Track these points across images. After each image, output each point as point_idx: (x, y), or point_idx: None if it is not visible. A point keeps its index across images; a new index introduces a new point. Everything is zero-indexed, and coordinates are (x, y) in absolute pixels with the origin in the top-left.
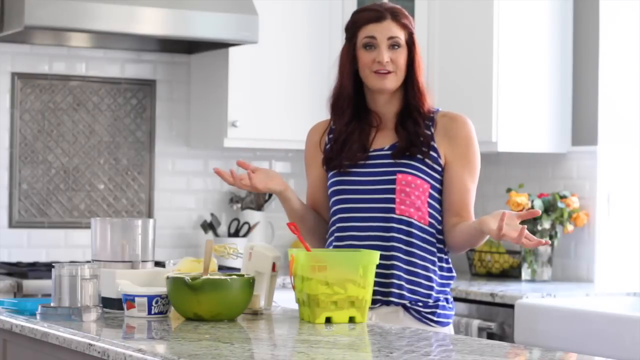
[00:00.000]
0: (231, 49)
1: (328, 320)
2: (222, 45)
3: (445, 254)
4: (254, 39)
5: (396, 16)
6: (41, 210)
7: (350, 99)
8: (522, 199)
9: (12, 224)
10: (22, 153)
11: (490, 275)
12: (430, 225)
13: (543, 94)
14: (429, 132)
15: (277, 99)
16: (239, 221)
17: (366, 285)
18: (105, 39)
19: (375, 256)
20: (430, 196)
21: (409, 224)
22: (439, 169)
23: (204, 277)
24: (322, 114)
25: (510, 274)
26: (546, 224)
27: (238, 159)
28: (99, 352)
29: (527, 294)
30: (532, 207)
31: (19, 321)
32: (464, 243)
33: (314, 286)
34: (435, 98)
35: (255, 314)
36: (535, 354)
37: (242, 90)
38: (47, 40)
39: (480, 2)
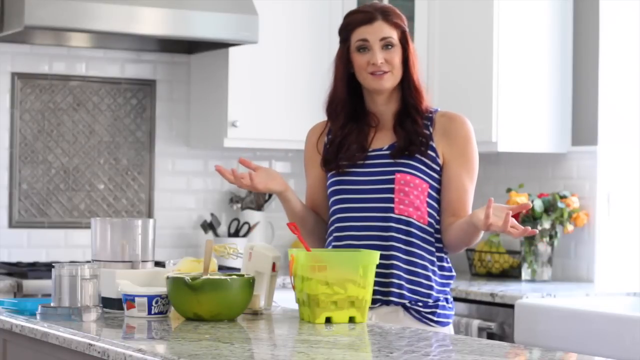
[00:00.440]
0: (231, 49)
1: (328, 320)
2: (222, 45)
3: (445, 254)
4: (254, 39)
5: (387, 16)
6: (41, 210)
7: (344, 102)
8: (522, 199)
9: (12, 224)
10: (22, 153)
11: (490, 275)
12: (429, 224)
13: (543, 94)
14: (427, 132)
15: (277, 99)
16: (239, 221)
17: (366, 285)
18: (105, 39)
19: (375, 256)
20: (429, 196)
21: (408, 224)
22: (438, 168)
23: (204, 277)
24: (322, 114)
25: (510, 274)
26: (546, 224)
27: (238, 159)
28: (99, 352)
29: (527, 294)
30: (532, 207)
31: (19, 321)
32: (460, 241)
33: (314, 286)
34: (435, 98)
35: (255, 314)
36: (535, 354)
37: (242, 90)
38: (47, 40)
39: (480, 2)
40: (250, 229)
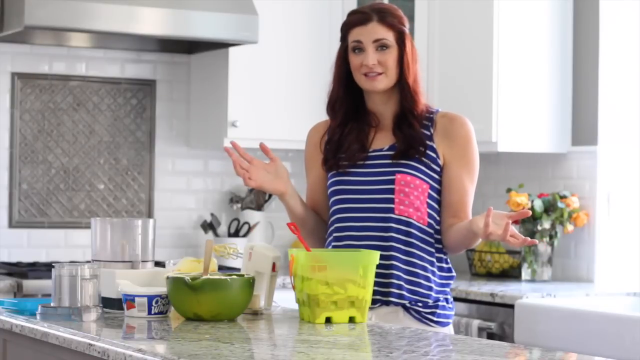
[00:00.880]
0: (231, 49)
1: (328, 320)
2: (222, 45)
3: (445, 254)
4: (254, 39)
5: (383, 17)
6: (41, 210)
7: (342, 100)
8: (522, 199)
9: (12, 224)
10: (22, 153)
11: (490, 275)
12: (429, 225)
13: (543, 94)
14: (427, 133)
15: (277, 99)
16: (239, 221)
17: (366, 285)
18: (105, 39)
19: (375, 256)
20: (429, 196)
21: (408, 224)
22: (438, 169)
23: (204, 277)
24: (322, 114)
25: (510, 274)
26: (546, 224)
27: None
28: (99, 352)
29: (527, 294)
30: (532, 207)
31: (19, 321)
32: (459, 244)
33: (314, 286)
34: (435, 98)
35: (255, 314)
36: (535, 354)
37: (242, 90)
38: (47, 40)
39: (480, 2)
40: (250, 229)
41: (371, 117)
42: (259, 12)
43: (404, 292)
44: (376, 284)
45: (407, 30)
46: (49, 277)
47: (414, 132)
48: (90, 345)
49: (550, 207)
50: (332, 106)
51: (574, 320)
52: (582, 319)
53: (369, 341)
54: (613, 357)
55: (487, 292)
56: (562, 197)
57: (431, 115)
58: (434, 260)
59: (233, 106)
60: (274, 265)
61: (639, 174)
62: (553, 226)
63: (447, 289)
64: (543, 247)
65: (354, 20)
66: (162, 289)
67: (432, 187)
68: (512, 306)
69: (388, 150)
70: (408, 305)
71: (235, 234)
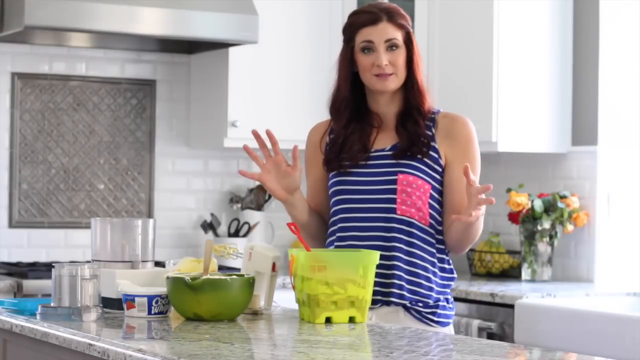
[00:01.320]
0: (231, 49)
1: (328, 320)
2: (222, 45)
3: (447, 255)
4: (254, 39)
5: (392, 17)
6: (41, 210)
7: (348, 101)
8: (522, 199)
9: (12, 224)
10: (22, 153)
11: (490, 275)
12: (431, 225)
13: (543, 94)
14: (429, 133)
15: (277, 99)
16: (239, 221)
17: (366, 285)
18: (105, 39)
19: (375, 256)
20: (431, 197)
21: (410, 225)
22: (440, 169)
23: (204, 277)
24: (322, 114)
25: (510, 274)
26: (546, 224)
27: (238, 159)
28: (99, 352)
29: (527, 294)
30: (532, 207)
31: (19, 321)
32: (459, 240)
33: (314, 286)
34: (435, 98)
35: (255, 314)
36: (535, 354)
37: (242, 90)
38: (47, 40)
39: (480, 2)
40: (250, 229)
41: (373, 117)
42: (259, 12)
43: (405, 293)
44: (377, 284)
45: (412, 30)
46: (49, 277)
47: (419, 129)
48: (90, 345)
49: (550, 207)
50: (338, 107)
51: (574, 320)
52: (582, 319)
53: (369, 341)
54: (613, 357)
55: (487, 292)
56: (562, 197)
57: (433, 116)
58: (435, 260)
59: (233, 106)
60: (274, 265)
61: (639, 174)
62: (553, 226)
63: (448, 290)
64: (543, 247)
65: (363, 19)
66: (162, 289)
67: (433, 188)
68: (512, 306)
69: (390, 150)
70: (408, 305)
71: (235, 234)
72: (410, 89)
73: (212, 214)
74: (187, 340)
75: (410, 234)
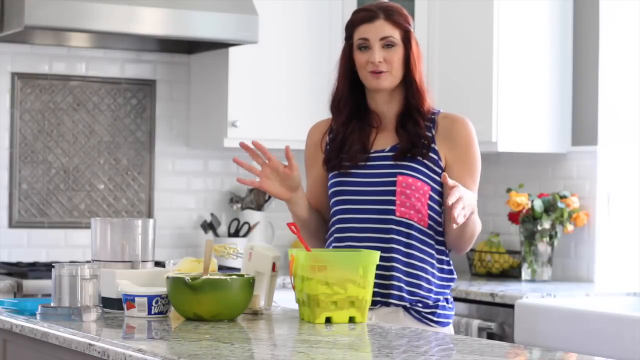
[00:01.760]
0: (231, 49)
1: (328, 320)
2: (222, 45)
3: (447, 255)
4: (254, 39)
5: (390, 15)
6: (41, 210)
7: (347, 99)
8: (522, 199)
9: (12, 224)
10: (22, 153)
11: (490, 275)
12: (430, 227)
13: (543, 94)
14: (429, 134)
15: (277, 99)
16: (239, 221)
17: (366, 285)
18: (105, 39)
19: (375, 256)
20: (431, 198)
21: (409, 226)
22: (440, 171)
23: (204, 277)
24: (322, 114)
25: (510, 274)
26: (546, 224)
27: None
28: (99, 352)
29: (527, 294)
30: (532, 207)
31: (19, 321)
32: (458, 239)
33: (314, 286)
34: (435, 98)
35: (255, 314)
36: (535, 354)
37: (242, 90)
38: (47, 40)
39: (480, 2)
40: (250, 229)
41: (373, 117)
42: (259, 12)
43: (404, 294)
44: (376, 285)
45: (412, 29)
46: (49, 277)
47: (419, 130)
48: (90, 345)
49: (550, 207)
50: (337, 104)
51: (574, 320)
52: (582, 319)
53: (369, 341)
54: (613, 357)
55: (487, 292)
56: (562, 197)
57: (433, 116)
58: (435, 262)
59: (233, 106)
60: (274, 265)
61: (639, 174)
62: (553, 226)
63: (448, 290)
64: (543, 247)
65: (360, 17)
66: (162, 289)
67: (433, 189)
68: (512, 306)
69: (390, 151)
70: (408, 306)
71: (235, 234)
72: (409, 88)
73: (212, 214)
74: (187, 340)
75: (408, 236)
